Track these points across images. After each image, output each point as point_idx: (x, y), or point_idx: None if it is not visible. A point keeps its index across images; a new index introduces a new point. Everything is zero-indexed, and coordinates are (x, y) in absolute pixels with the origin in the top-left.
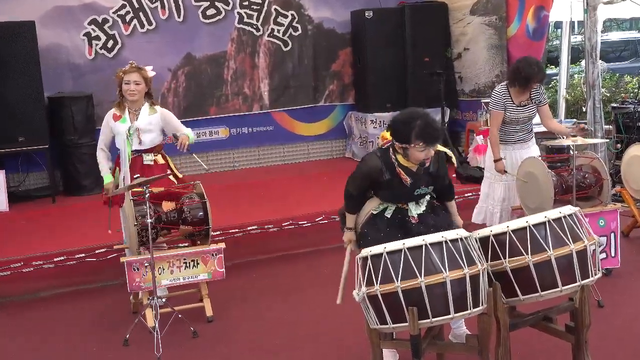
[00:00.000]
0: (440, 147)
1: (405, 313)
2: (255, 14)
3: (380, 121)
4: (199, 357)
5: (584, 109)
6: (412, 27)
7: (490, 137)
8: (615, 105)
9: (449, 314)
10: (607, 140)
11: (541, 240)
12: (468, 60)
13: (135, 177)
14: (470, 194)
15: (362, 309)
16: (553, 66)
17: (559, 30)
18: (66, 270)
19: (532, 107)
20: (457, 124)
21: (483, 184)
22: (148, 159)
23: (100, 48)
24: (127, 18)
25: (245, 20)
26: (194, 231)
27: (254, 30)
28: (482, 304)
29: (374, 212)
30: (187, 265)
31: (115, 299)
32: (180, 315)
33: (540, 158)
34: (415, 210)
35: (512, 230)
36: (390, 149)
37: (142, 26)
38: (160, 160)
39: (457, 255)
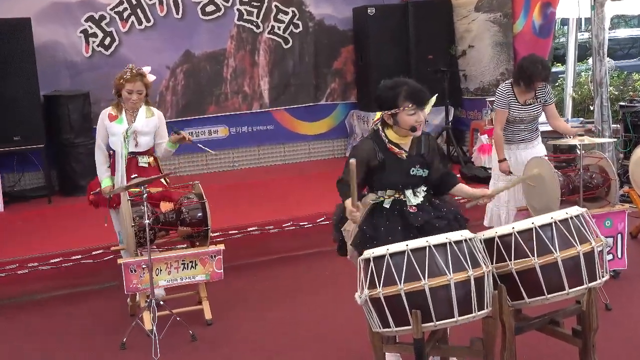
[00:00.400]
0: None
1: (409, 316)
2: (256, 10)
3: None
4: None
5: (591, 108)
6: (416, 24)
7: (494, 136)
8: (623, 103)
9: (453, 317)
10: (615, 139)
11: (547, 242)
12: (473, 57)
13: (132, 176)
14: None
15: (365, 312)
16: (559, 64)
17: (566, 27)
18: (62, 272)
19: (537, 106)
20: (462, 123)
21: (490, 184)
22: (143, 161)
23: (98, 45)
24: (125, 15)
25: (245, 17)
26: (192, 232)
27: (254, 27)
28: (487, 307)
29: (372, 203)
30: (185, 266)
31: (113, 301)
32: (178, 318)
33: (546, 158)
34: (414, 199)
35: (517, 232)
36: (380, 128)
37: (140, 23)
38: (154, 163)
39: (461, 257)
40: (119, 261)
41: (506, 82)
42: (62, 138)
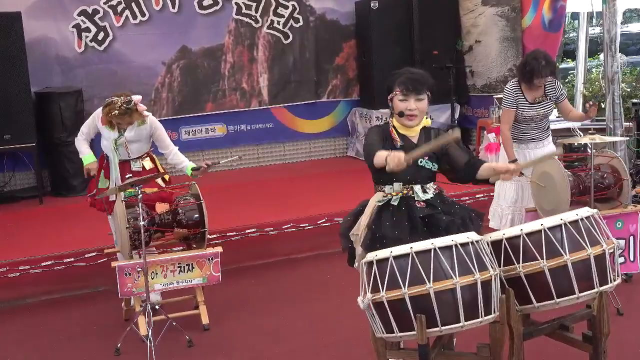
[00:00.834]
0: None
1: (413, 321)
2: (254, 4)
3: (386, 118)
4: None
5: (602, 105)
6: (420, 18)
7: (501, 137)
8: (635, 101)
9: (459, 322)
10: (627, 138)
11: (557, 244)
12: (480, 53)
13: (127, 176)
14: (482, 195)
15: (367, 316)
16: (570, 60)
17: (576, 21)
18: (54, 275)
19: (547, 104)
20: (468, 121)
21: (496, 184)
22: (136, 165)
23: (91, 40)
24: (119, 9)
25: (244, 11)
26: (189, 234)
27: (253, 22)
28: (494, 312)
29: (379, 204)
30: (182, 269)
31: (107, 305)
32: (174, 323)
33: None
34: (423, 195)
35: (526, 234)
36: (389, 118)
37: (135, 17)
38: (148, 166)
39: (467, 259)
40: (113, 264)
41: (514, 79)
42: (54, 136)
